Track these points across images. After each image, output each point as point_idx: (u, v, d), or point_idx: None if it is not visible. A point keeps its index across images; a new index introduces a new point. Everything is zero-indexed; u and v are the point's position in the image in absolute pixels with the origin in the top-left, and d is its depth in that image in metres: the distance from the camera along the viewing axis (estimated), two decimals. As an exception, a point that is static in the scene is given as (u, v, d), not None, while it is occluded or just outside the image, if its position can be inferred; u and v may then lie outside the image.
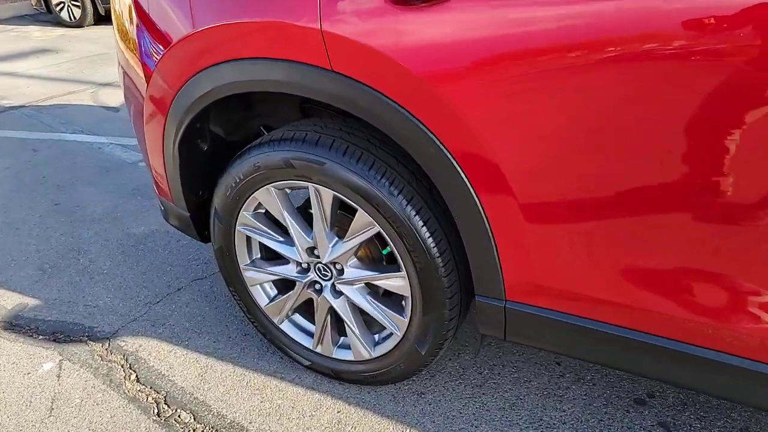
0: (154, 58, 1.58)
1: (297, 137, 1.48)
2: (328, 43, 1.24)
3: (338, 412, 1.70)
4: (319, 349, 1.76)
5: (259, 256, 1.78)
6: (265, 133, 1.89)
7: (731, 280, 1.09)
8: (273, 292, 1.81)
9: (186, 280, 2.38)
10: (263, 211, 1.68)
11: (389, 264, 1.63)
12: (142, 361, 1.95)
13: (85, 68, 5.77)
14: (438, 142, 1.23)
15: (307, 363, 1.81)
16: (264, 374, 1.86)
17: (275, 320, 1.80)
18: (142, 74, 1.67)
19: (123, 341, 2.05)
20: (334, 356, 1.75)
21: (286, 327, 1.81)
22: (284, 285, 1.81)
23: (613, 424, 1.59)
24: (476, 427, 1.62)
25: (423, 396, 1.73)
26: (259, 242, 1.75)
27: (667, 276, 1.14)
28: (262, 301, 1.80)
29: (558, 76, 1.05)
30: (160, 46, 1.54)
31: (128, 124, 2.09)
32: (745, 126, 0.95)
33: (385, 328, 1.66)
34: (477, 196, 1.24)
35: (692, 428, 1.56)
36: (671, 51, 0.95)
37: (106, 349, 2.02)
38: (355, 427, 1.64)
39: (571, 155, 1.11)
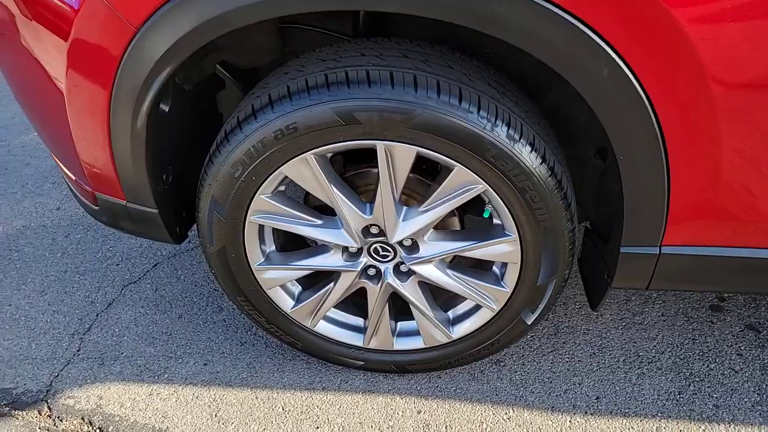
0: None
1: (355, 78, 1.01)
2: None
3: (419, 412, 1.38)
4: (373, 344, 1.39)
5: (273, 248, 1.30)
6: (225, 72, 1.34)
7: None
8: (297, 289, 1.36)
9: (113, 290, 1.76)
10: (284, 188, 1.19)
11: (464, 227, 1.28)
12: (116, 418, 1.40)
13: None
14: (620, 62, 0.88)
15: (359, 364, 1.42)
16: (298, 390, 1.44)
17: (307, 324, 1.37)
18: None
19: (70, 398, 1.45)
20: (395, 348, 1.39)
21: (323, 328, 1.39)
22: (308, 279, 1.37)
23: (707, 339, 1.50)
24: (579, 384, 1.42)
25: (502, 365, 1.47)
26: (273, 231, 1.28)
27: None
28: (285, 304, 1.35)
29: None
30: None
31: None
32: None
33: (459, 304, 1.34)
34: (660, 130, 0.94)
35: (774, 324, 1.54)
36: None
37: (50, 416, 1.41)
38: (450, 427, 1.35)
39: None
